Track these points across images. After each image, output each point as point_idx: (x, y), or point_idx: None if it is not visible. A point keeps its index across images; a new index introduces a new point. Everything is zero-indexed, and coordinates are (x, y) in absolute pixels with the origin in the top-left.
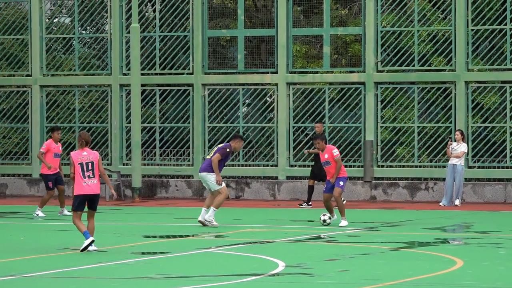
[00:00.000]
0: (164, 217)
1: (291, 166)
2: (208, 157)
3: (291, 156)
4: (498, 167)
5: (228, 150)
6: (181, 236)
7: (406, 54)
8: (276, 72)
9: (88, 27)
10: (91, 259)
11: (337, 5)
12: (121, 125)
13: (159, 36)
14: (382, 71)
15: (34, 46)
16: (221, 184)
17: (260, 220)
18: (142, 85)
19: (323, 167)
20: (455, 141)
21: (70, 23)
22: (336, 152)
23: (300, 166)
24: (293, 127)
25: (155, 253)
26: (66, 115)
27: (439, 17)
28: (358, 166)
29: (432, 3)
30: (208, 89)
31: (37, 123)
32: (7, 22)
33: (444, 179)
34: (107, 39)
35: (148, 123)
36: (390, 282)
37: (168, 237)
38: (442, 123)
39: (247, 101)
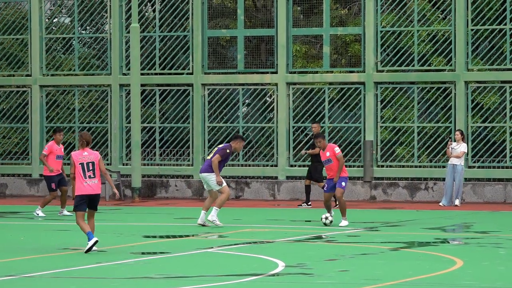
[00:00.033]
0: (164, 217)
1: (291, 166)
2: (208, 157)
3: (291, 156)
4: (498, 167)
5: (228, 151)
6: (181, 236)
7: (406, 54)
8: (276, 72)
9: (88, 27)
10: (91, 259)
11: (337, 5)
12: (121, 125)
13: (159, 36)
14: (382, 71)
15: (34, 46)
16: (221, 185)
17: (260, 220)
18: (142, 85)
19: (319, 167)
20: (455, 141)
21: (70, 23)
22: (338, 150)
23: (300, 166)
24: (293, 127)
25: (155, 253)
26: (66, 115)
27: (439, 17)
28: (358, 166)
29: (432, 3)
30: (208, 89)
31: (37, 123)
32: (7, 22)
33: (444, 179)
34: (107, 39)
35: (148, 123)
36: (390, 282)
37: (168, 237)
38: (442, 123)
39: (247, 101)
